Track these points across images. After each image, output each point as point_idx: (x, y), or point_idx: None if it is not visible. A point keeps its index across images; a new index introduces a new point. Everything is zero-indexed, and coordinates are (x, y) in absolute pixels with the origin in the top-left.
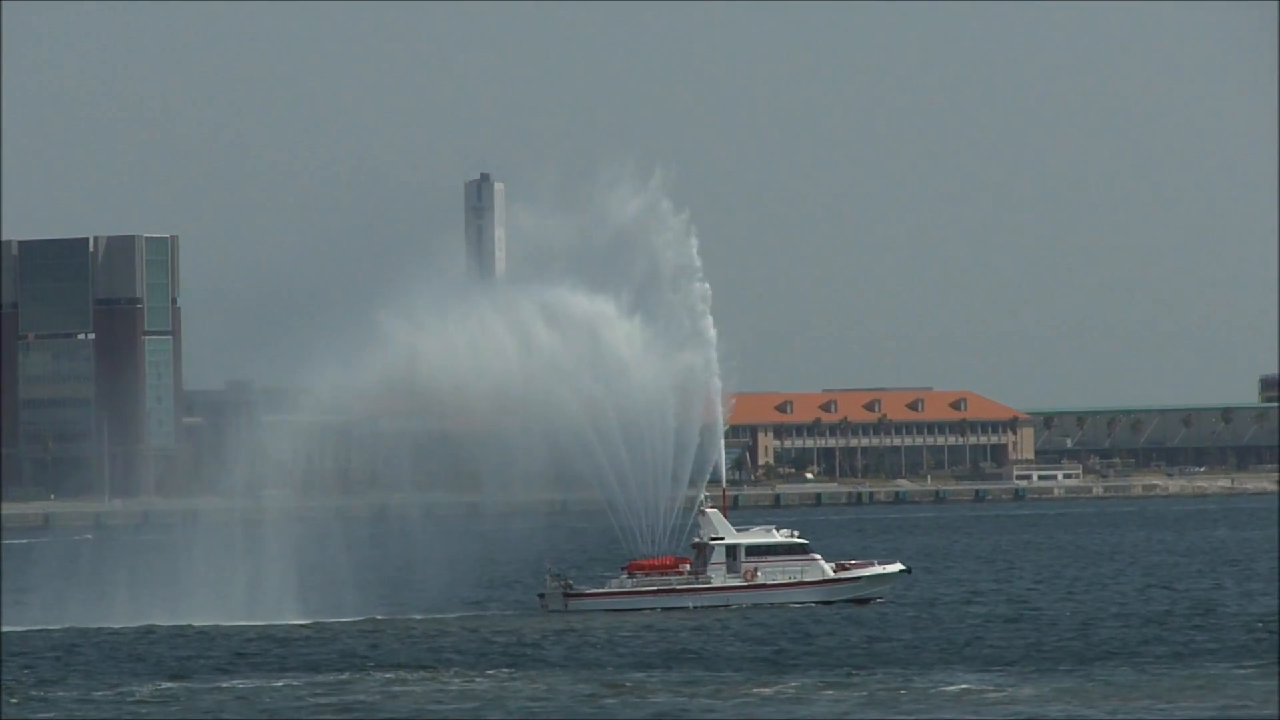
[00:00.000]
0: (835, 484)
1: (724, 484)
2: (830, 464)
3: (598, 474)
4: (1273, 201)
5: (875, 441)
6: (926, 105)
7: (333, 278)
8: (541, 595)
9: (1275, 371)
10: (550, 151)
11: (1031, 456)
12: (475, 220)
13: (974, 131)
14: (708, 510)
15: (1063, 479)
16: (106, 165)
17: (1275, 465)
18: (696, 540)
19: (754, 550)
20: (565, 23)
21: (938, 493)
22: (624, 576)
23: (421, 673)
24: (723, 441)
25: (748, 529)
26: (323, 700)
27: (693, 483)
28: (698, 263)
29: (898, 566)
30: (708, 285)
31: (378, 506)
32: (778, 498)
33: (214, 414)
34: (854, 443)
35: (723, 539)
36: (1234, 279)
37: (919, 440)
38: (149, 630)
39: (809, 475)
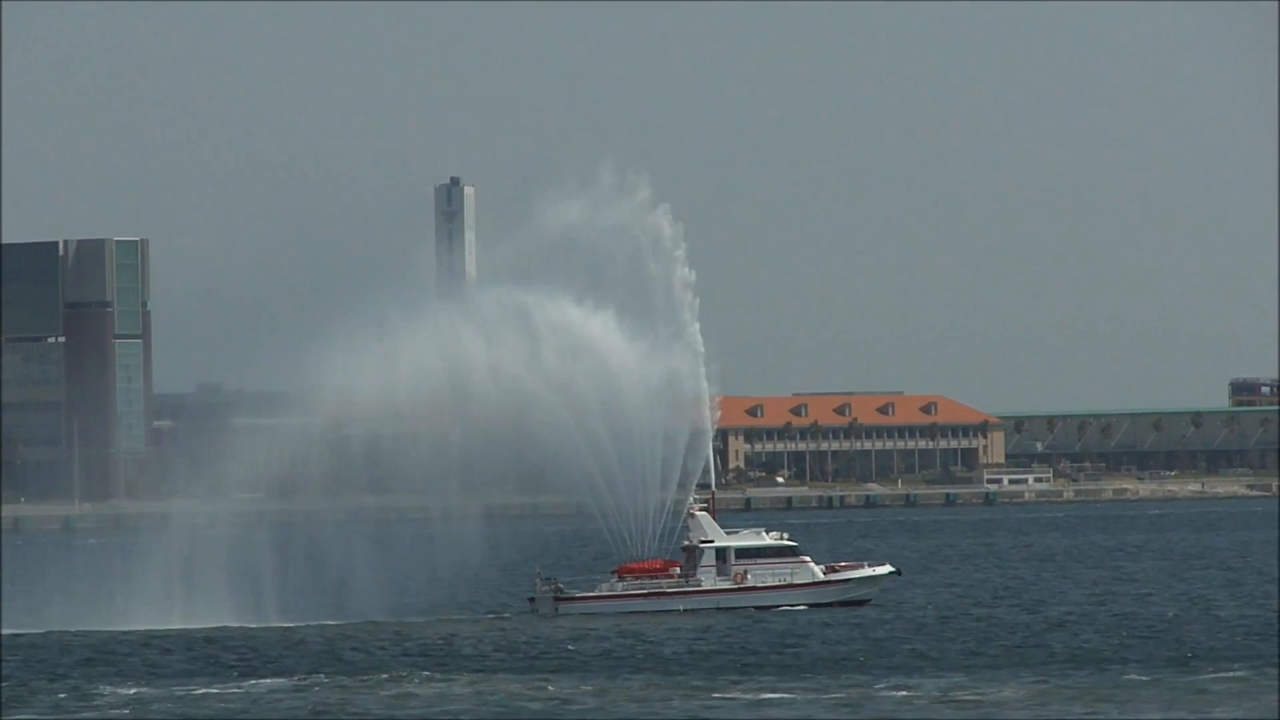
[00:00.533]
0: (806, 488)
1: (713, 487)
2: (801, 468)
3: (586, 478)
4: (1244, 204)
5: (846, 445)
6: (894, 110)
7: (303, 282)
8: (531, 599)
9: (1245, 375)
10: (521, 156)
11: (1002, 460)
12: (446, 224)
13: (945, 136)
14: (697, 513)
15: (1033, 483)
16: (76, 168)
17: (1245, 469)
18: (686, 543)
19: (744, 553)
20: (538, 25)
21: (908, 496)
22: (614, 580)
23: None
24: (711, 445)
25: (737, 532)
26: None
27: (681, 485)
28: (691, 276)
29: (887, 568)
30: (696, 298)
31: (378, 509)
32: (748, 501)
33: (189, 417)
34: (824, 446)
35: (712, 542)
36: (1204, 283)
37: (889, 444)
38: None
39: (780, 479)
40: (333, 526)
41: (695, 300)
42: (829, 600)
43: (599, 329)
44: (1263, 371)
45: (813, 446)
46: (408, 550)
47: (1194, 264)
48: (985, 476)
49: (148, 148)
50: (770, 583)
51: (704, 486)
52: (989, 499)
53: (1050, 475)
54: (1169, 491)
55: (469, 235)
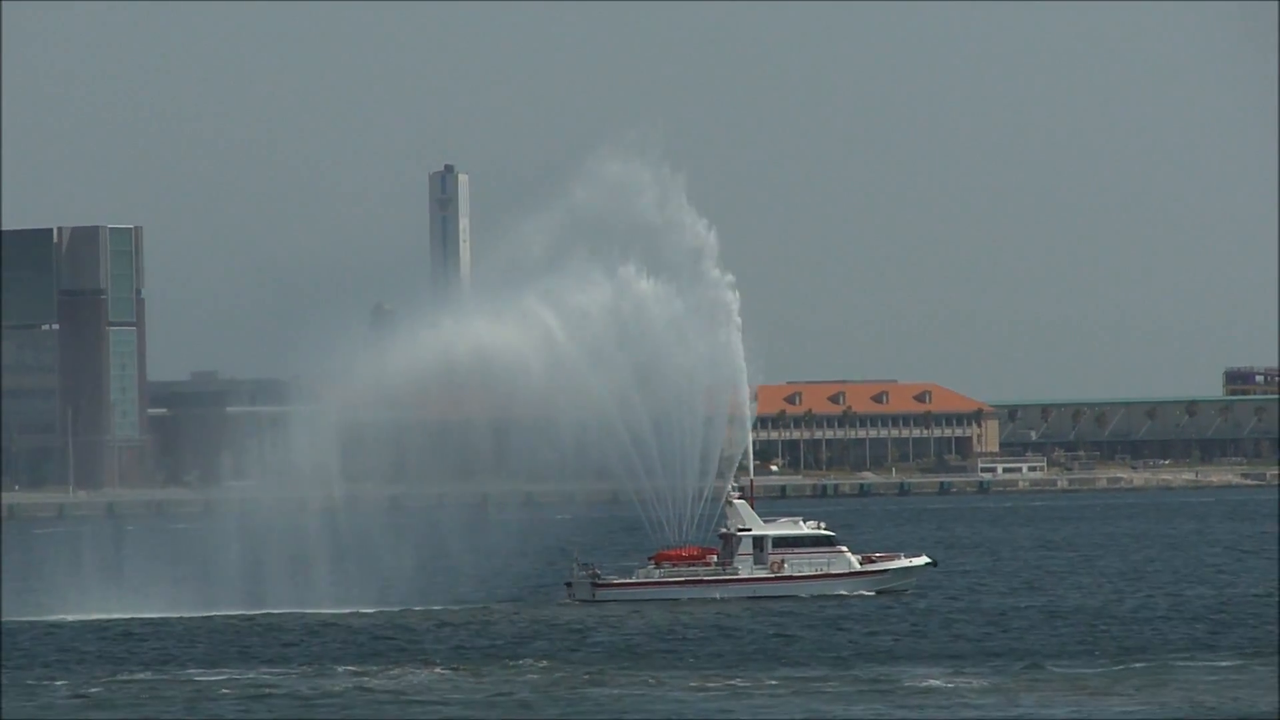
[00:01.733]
0: (800, 476)
1: (751, 475)
2: (795, 456)
3: (625, 463)
4: (1238, 195)
5: (840, 434)
6: (888, 102)
7: (297, 270)
8: (569, 584)
9: (1239, 365)
10: (517, 145)
11: (996, 449)
12: (440, 212)
13: (940, 127)
14: (735, 501)
15: (1027, 471)
16: (71, 156)
17: (1239, 458)
18: (723, 531)
19: (781, 542)
20: (532, 12)
21: (902, 485)
22: (651, 567)
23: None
24: (750, 433)
25: (774, 520)
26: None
27: (720, 474)
28: (728, 277)
29: (924, 559)
30: (734, 281)
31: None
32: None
33: (184, 404)
34: (819, 435)
35: (750, 530)
36: (1198, 272)
37: (884, 433)
38: None
39: (773, 468)
40: (415, 514)
41: (737, 297)
42: (865, 590)
43: (648, 312)
44: (1256, 360)
45: (806, 435)
46: (456, 537)
47: (1188, 254)
48: (979, 465)
49: (142, 136)
50: (807, 572)
51: (742, 471)
52: (983, 488)
53: (1044, 464)
54: (1163, 480)
55: (464, 222)
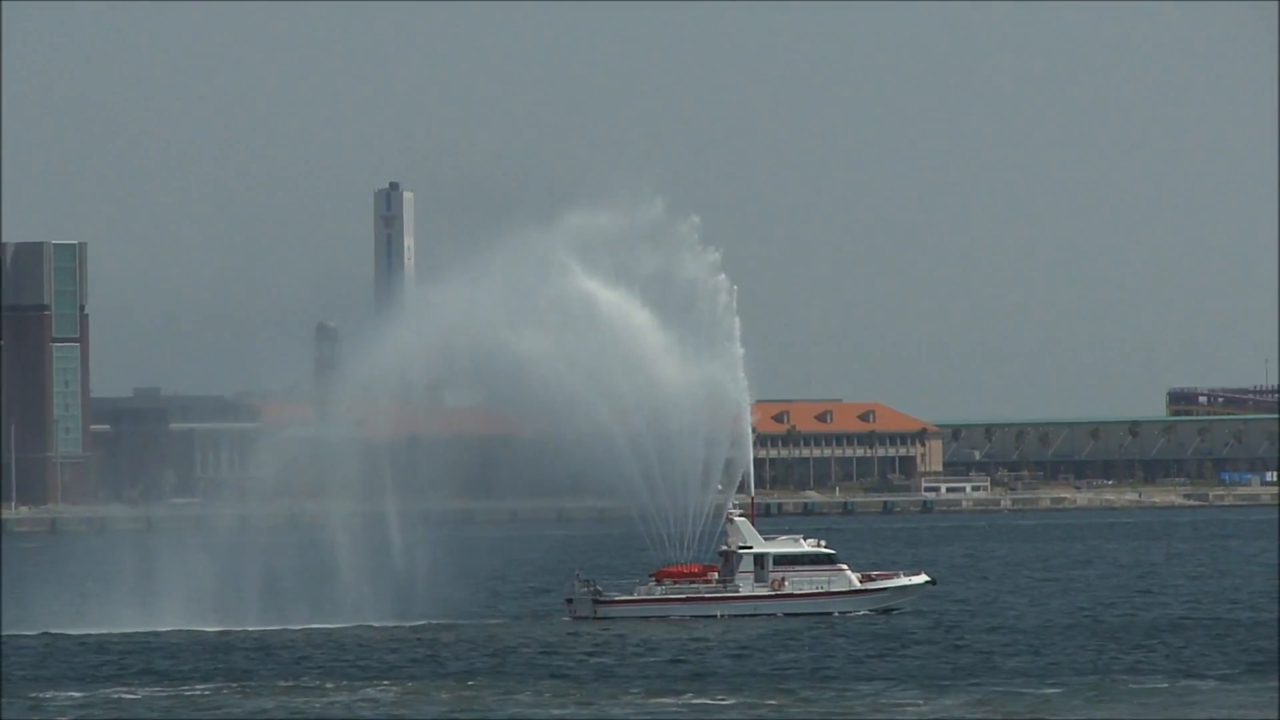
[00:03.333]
0: (743, 495)
1: (751, 493)
2: None
3: (625, 480)
4: (1182, 215)
5: (784, 453)
6: (832, 120)
7: (242, 287)
8: (569, 601)
9: (1182, 385)
10: (463, 162)
11: (940, 468)
12: (385, 229)
13: (884, 151)
14: (736, 519)
15: (971, 491)
16: (14, 171)
17: (1183, 479)
18: (724, 548)
19: (782, 559)
20: (480, 32)
21: (846, 504)
22: (652, 583)
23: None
24: (751, 450)
25: (774, 538)
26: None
27: (720, 491)
28: (732, 299)
29: (923, 578)
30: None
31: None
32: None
33: (128, 422)
34: (762, 454)
35: (751, 548)
36: (1142, 293)
37: (827, 452)
38: None
39: (718, 487)
40: (371, 528)
41: (736, 318)
42: (865, 608)
43: (645, 330)
44: (1200, 381)
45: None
46: (442, 553)
47: (1131, 274)
48: (923, 484)
49: (86, 151)
50: (807, 590)
51: (743, 489)
52: (927, 507)
53: (988, 484)
54: (1106, 501)
55: (408, 240)
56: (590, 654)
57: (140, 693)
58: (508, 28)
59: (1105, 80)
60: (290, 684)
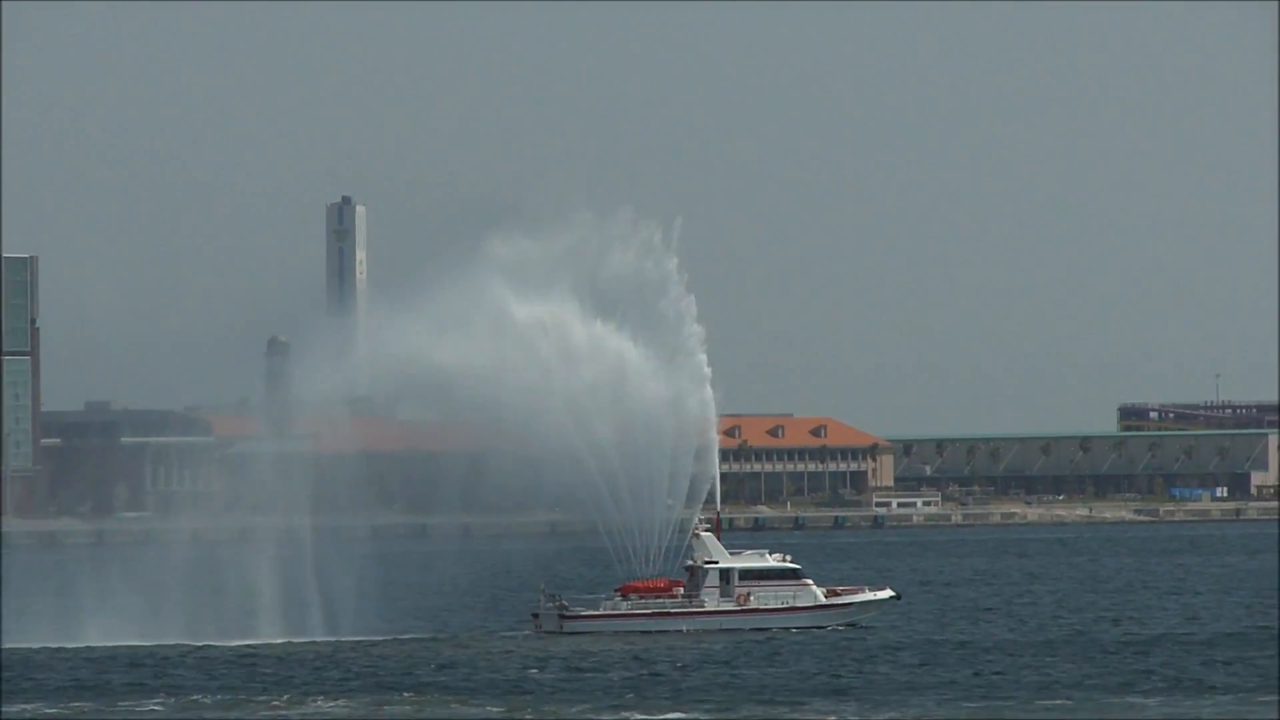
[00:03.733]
0: (693, 510)
1: (718, 507)
2: None
3: (592, 494)
4: (1132, 231)
5: (735, 468)
6: (774, 134)
7: (195, 299)
8: (535, 615)
9: (1133, 400)
10: (417, 177)
11: (891, 484)
12: (337, 243)
13: (827, 162)
14: (702, 534)
15: (922, 506)
16: None
17: (1133, 494)
18: (690, 563)
19: (747, 574)
20: (432, 46)
21: (797, 519)
22: (618, 598)
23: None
24: (717, 464)
25: (740, 553)
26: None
27: (688, 504)
28: (694, 308)
29: (888, 593)
30: (698, 324)
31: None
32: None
33: (78, 436)
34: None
35: (716, 563)
36: (1093, 308)
37: (779, 467)
38: None
39: (669, 501)
40: (340, 544)
41: (701, 330)
42: (831, 623)
43: (614, 345)
44: (1151, 397)
45: None
46: (410, 567)
47: (1083, 289)
48: (874, 499)
49: (37, 164)
50: (773, 605)
51: (709, 504)
52: (878, 522)
53: (939, 499)
54: (1057, 516)
55: (360, 254)
56: (541, 668)
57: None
58: (461, 41)
59: (1050, 109)
60: (226, 698)
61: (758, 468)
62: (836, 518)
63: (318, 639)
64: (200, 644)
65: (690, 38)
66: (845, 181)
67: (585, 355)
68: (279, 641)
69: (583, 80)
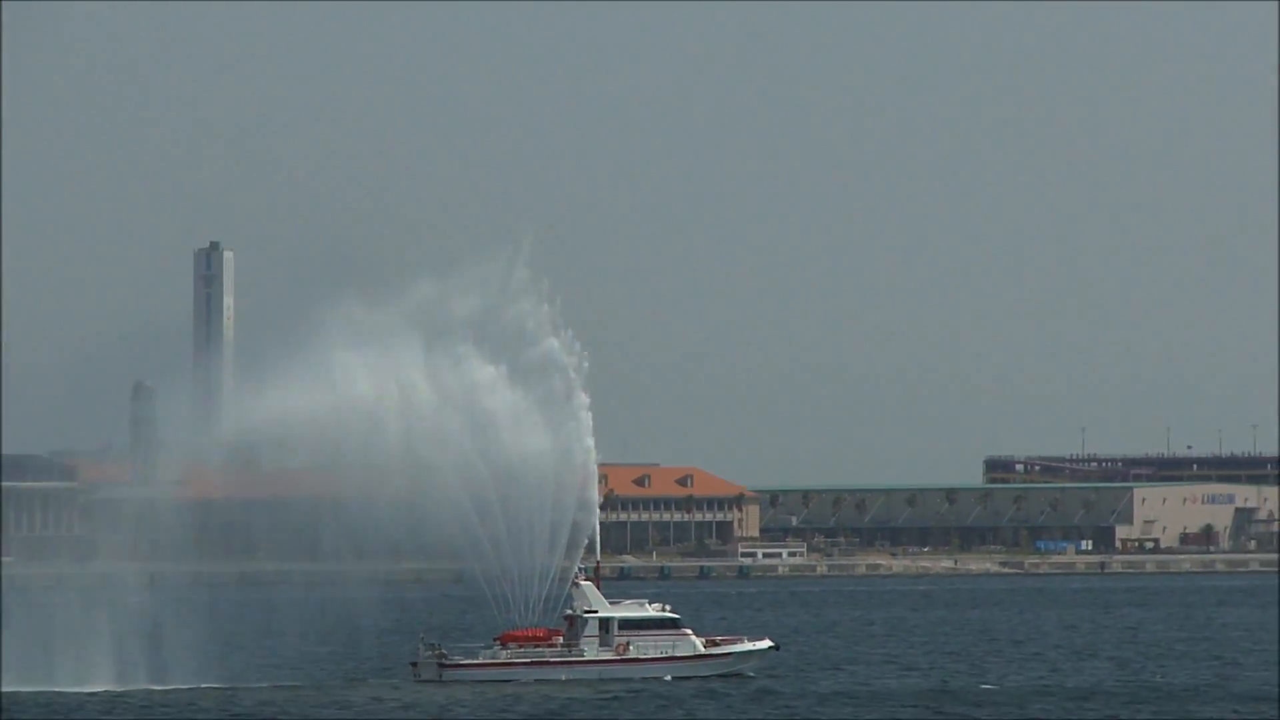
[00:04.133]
0: (572, 559)
1: (598, 556)
2: None
3: (472, 542)
4: (1002, 280)
5: (601, 517)
6: (645, 169)
7: (60, 343)
8: (414, 664)
9: (999, 453)
10: (285, 222)
11: (757, 534)
12: (204, 289)
13: (695, 200)
14: (581, 583)
15: (787, 557)
16: None
17: (998, 546)
18: (569, 612)
19: (627, 624)
20: (302, 88)
21: (663, 569)
22: (497, 647)
23: None
24: (597, 515)
25: (620, 602)
26: None
27: (566, 554)
28: (572, 349)
29: (766, 643)
30: (585, 362)
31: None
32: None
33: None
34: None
35: (596, 612)
36: (958, 360)
37: (645, 516)
38: None
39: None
40: (214, 590)
41: (584, 378)
42: (710, 673)
43: (498, 394)
44: (1016, 449)
45: None
46: (292, 615)
47: (948, 340)
48: (740, 550)
49: None
50: (652, 654)
51: (590, 553)
52: (743, 572)
53: (804, 550)
54: (922, 568)
55: (228, 300)
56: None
57: None
58: (329, 86)
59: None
60: None
61: (624, 517)
62: (702, 567)
63: (153, 687)
64: (34, 689)
65: (563, 80)
66: (703, 230)
67: (461, 404)
68: (118, 690)
69: (444, 118)
